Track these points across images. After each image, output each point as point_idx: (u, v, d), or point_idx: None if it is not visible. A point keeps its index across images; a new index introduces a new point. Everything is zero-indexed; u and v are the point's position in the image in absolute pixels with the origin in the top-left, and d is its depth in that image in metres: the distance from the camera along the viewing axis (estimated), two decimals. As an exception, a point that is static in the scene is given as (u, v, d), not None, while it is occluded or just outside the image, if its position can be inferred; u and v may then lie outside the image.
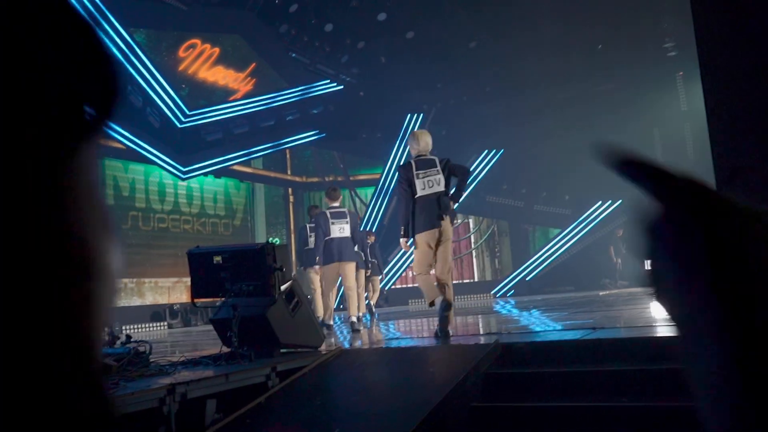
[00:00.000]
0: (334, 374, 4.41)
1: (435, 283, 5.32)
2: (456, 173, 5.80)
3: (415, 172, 5.64)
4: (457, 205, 5.86)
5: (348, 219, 7.65)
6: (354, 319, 7.59)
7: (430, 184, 5.56)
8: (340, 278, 7.82)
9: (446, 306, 5.05)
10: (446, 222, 5.48)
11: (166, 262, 15.70)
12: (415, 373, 4.02)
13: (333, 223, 7.51)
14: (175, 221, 16.52)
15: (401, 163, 6.26)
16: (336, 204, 7.79)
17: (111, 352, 4.44)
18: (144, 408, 3.34)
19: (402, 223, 5.75)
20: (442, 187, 5.57)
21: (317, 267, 7.83)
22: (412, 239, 5.71)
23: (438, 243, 5.42)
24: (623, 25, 15.38)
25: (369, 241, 11.82)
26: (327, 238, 7.50)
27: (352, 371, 4.43)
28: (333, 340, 6.19)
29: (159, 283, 15.81)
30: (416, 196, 5.53)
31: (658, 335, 4.27)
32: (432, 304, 5.20)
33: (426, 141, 5.94)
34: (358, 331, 7.34)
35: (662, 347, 3.87)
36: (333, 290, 7.95)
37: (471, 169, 18.29)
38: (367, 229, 15.97)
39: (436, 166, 5.68)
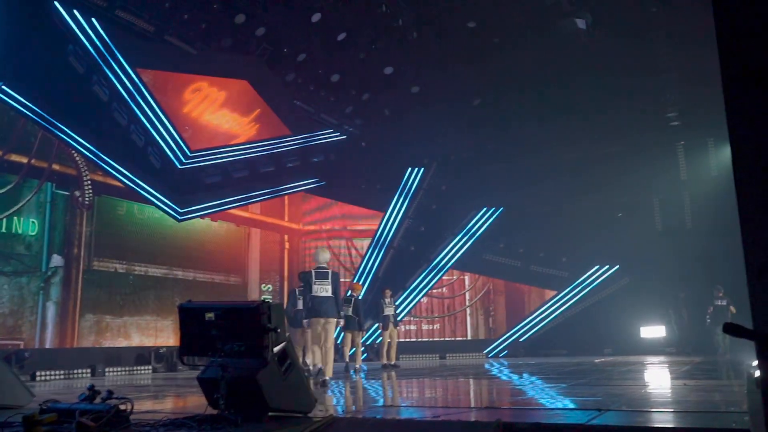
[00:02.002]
0: (324, 446, 4.17)
1: None
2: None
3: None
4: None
5: (330, 279, 8.42)
6: (327, 377, 8.14)
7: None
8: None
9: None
10: None
11: (154, 301, 15.47)
12: (412, 452, 3.80)
13: (315, 283, 8.35)
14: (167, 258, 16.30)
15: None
16: (322, 264, 8.53)
17: (90, 409, 4.20)
18: (120, 480, 3.10)
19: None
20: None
21: (305, 323, 8.79)
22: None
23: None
24: (626, 93, 15.54)
25: (355, 293, 12.23)
26: (311, 295, 8.35)
27: (344, 444, 4.18)
28: (323, 403, 5.94)
29: (144, 323, 15.47)
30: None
31: (669, 425, 4.06)
32: None
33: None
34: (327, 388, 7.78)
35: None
36: (319, 344, 8.61)
37: (467, 227, 18.38)
38: (358, 281, 16.01)
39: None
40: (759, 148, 2.62)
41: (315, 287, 8.33)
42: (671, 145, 18.08)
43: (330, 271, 8.53)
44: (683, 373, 9.23)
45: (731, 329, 2.09)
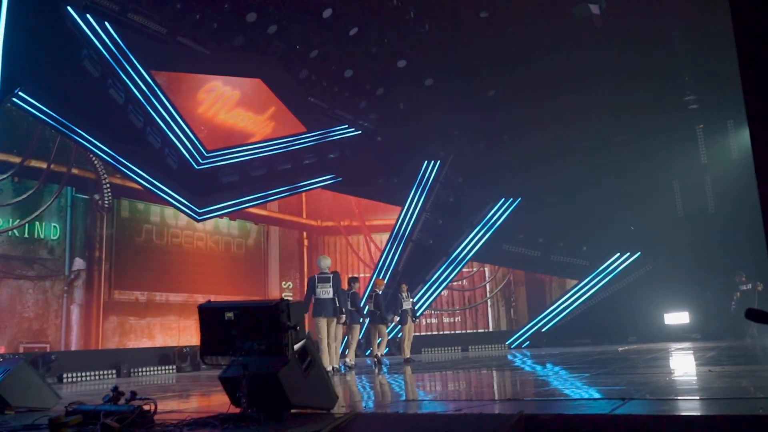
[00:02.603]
0: (347, 441, 4.17)
1: None
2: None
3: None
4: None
5: (331, 282, 9.73)
6: (330, 368, 9.31)
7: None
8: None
9: None
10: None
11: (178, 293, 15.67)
12: (434, 446, 3.78)
13: (318, 286, 9.72)
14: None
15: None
16: (324, 270, 9.90)
17: (114, 410, 4.24)
18: (145, 480, 3.13)
19: None
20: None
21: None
22: None
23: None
24: (645, 77, 15.33)
25: (377, 289, 12.26)
26: (315, 297, 9.66)
27: (367, 440, 4.18)
28: (346, 400, 5.95)
29: (167, 323, 15.62)
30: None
31: (694, 413, 4.01)
32: None
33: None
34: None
35: (698, 427, 3.62)
36: (324, 340, 9.72)
37: (485, 219, 18.31)
38: (378, 276, 16.01)
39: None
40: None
41: (318, 290, 9.65)
42: (690, 129, 17.85)
43: (331, 275, 9.82)
44: (709, 359, 9.12)
45: (754, 315, 2.04)
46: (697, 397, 4.80)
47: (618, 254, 18.56)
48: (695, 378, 6.63)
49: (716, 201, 17.61)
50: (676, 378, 6.83)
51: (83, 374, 11.97)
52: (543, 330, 18.79)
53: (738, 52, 2.74)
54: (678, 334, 17.11)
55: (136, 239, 15.27)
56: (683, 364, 8.91)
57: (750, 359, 8.59)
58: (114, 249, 14.55)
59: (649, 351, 12.29)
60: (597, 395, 5.31)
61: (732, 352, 10.57)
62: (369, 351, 12.25)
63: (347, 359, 11.07)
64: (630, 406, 4.21)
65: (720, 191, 17.33)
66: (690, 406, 4.33)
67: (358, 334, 11.57)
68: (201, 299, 16.60)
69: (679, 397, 4.80)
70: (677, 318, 17.75)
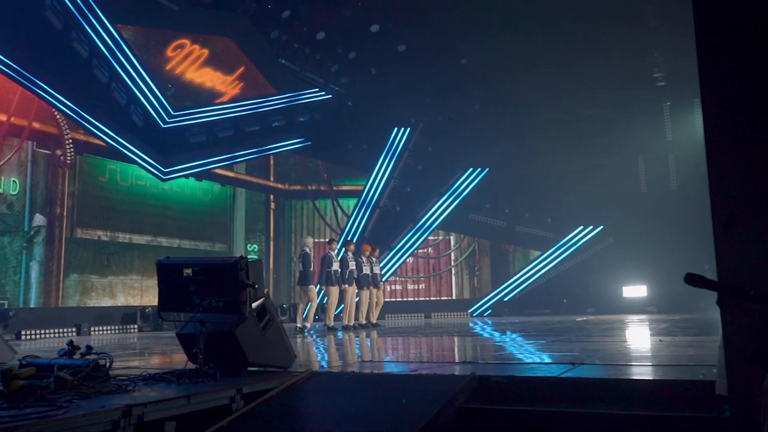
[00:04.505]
0: (302, 398, 4.23)
1: None
2: None
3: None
4: None
5: (302, 259, 11.35)
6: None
7: None
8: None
9: None
10: None
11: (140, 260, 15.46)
12: (387, 404, 3.86)
13: (298, 262, 11.68)
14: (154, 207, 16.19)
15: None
16: (303, 248, 11.50)
17: (69, 364, 4.22)
18: (96, 431, 3.14)
19: None
20: None
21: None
22: None
23: None
24: (615, 53, 15.42)
25: (331, 251, 11.77)
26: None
27: (321, 397, 4.25)
28: (306, 357, 6.01)
29: (129, 282, 15.49)
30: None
31: (639, 377, 4.15)
32: None
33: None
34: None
35: (642, 390, 3.75)
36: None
37: (453, 188, 18.37)
38: (349, 241, 15.87)
39: None
40: (726, 101, 2.63)
41: (299, 265, 11.38)
42: (657, 106, 18.07)
43: (303, 252, 11.29)
44: (661, 330, 9.39)
45: (694, 280, 2.11)
46: (644, 364, 4.96)
47: (581, 227, 18.86)
48: (645, 347, 6.84)
49: (679, 178, 17.95)
50: (627, 346, 7.03)
51: (42, 332, 11.85)
52: (505, 299, 19.10)
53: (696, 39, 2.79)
54: (635, 307, 17.54)
55: (100, 178, 14.95)
56: (636, 334, 9.16)
57: (700, 331, 8.86)
58: (75, 206, 14.29)
59: (606, 322, 12.60)
60: (549, 360, 5.45)
61: (684, 324, 10.89)
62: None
63: (303, 322, 11.03)
64: (579, 370, 4.34)
65: (683, 168, 17.64)
66: (636, 371, 4.48)
67: (311, 297, 11.34)
68: (165, 242, 16.41)
69: (626, 363, 4.96)
70: (635, 291, 18.19)
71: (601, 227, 18.69)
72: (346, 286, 11.98)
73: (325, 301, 12.19)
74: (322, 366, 5.19)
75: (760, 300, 2.12)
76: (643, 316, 14.92)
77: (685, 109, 17.77)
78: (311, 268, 11.26)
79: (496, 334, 10.23)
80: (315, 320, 12.30)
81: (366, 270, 12.39)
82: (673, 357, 5.39)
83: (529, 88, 16.44)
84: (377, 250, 13.52)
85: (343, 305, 12.18)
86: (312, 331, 10.97)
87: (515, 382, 4.03)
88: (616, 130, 17.13)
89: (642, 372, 4.46)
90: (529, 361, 5.59)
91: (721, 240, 2.60)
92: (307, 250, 11.34)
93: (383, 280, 14.98)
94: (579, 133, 17.20)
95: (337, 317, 12.40)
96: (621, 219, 17.75)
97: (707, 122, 2.80)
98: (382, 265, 15.56)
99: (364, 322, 12.40)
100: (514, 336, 9.31)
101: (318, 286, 11.94)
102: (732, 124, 2.66)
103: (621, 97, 16.91)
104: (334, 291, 11.72)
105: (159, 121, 13.84)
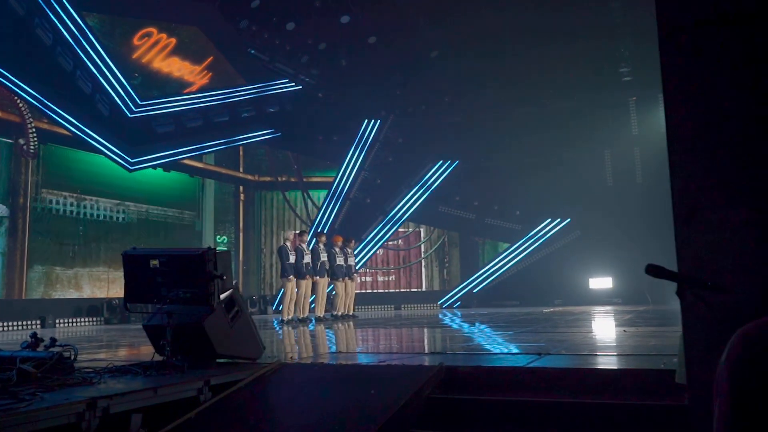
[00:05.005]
0: (270, 390, 4.23)
1: None
2: None
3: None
4: None
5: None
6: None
7: None
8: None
9: None
10: None
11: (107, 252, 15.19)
12: (356, 394, 3.88)
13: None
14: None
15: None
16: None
17: (32, 356, 4.15)
18: (60, 424, 3.10)
19: None
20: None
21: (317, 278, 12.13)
22: None
23: None
24: (582, 46, 15.57)
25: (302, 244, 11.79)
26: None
27: (289, 388, 4.25)
28: (276, 349, 6.00)
29: (96, 274, 15.24)
30: None
31: (603, 367, 4.23)
32: None
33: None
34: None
35: (606, 379, 3.83)
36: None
37: (423, 180, 18.44)
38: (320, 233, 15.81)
39: None
40: (688, 96, 2.68)
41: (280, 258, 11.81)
42: (623, 99, 18.32)
43: (281, 246, 11.81)
44: (625, 321, 9.57)
45: (653, 270, 2.16)
46: (608, 354, 5.06)
47: (549, 220, 19.08)
48: (610, 337, 6.97)
49: (644, 172, 18.24)
50: (592, 337, 7.16)
51: (5, 324, 11.63)
52: (474, 291, 19.26)
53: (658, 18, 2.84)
54: (601, 298, 17.82)
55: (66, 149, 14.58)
56: (601, 325, 9.33)
57: (663, 322, 9.06)
58: (39, 194, 13.98)
59: (572, 313, 12.80)
60: (516, 350, 5.52)
61: (648, 315, 11.11)
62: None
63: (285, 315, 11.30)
64: (545, 360, 4.42)
65: (648, 162, 17.93)
66: (600, 361, 4.57)
67: (290, 289, 11.54)
68: (133, 207, 16.03)
69: (591, 353, 5.05)
70: (601, 283, 18.47)
71: (568, 220, 18.93)
72: (318, 277, 11.99)
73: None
74: (291, 357, 5.19)
75: (718, 290, 2.18)
76: (608, 308, 15.18)
77: (651, 104, 18.04)
78: (288, 261, 11.48)
79: (465, 325, 10.32)
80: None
81: (340, 261, 12.44)
82: (636, 347, 5.51)
83: (498, 83, 16.56)
84: (353, 241, 13.61)
85: (314, 296, 12.22)
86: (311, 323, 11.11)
87: (482, 372, 4.08)
88: (583, 125, 17.34)
89: (606, 362, 4.55)
90: (497, 351, 5.67)
91: (681, 232, 2.66)
92: (287, 244, 11.65)
93: (356, 270, 15.01)
94: (546, 126, 17.36)
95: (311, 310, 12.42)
96: (588, 212, 18.00)
97: (669, 112, 2.86)
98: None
99: (341, 313, 12.46)
100: (482, 327, 9.41)
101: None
102: (693, 115, 2.72)
103: (588, 92, 17.10)
104: (305, 283, 11.72)
105: (125, 111, 13.63)
